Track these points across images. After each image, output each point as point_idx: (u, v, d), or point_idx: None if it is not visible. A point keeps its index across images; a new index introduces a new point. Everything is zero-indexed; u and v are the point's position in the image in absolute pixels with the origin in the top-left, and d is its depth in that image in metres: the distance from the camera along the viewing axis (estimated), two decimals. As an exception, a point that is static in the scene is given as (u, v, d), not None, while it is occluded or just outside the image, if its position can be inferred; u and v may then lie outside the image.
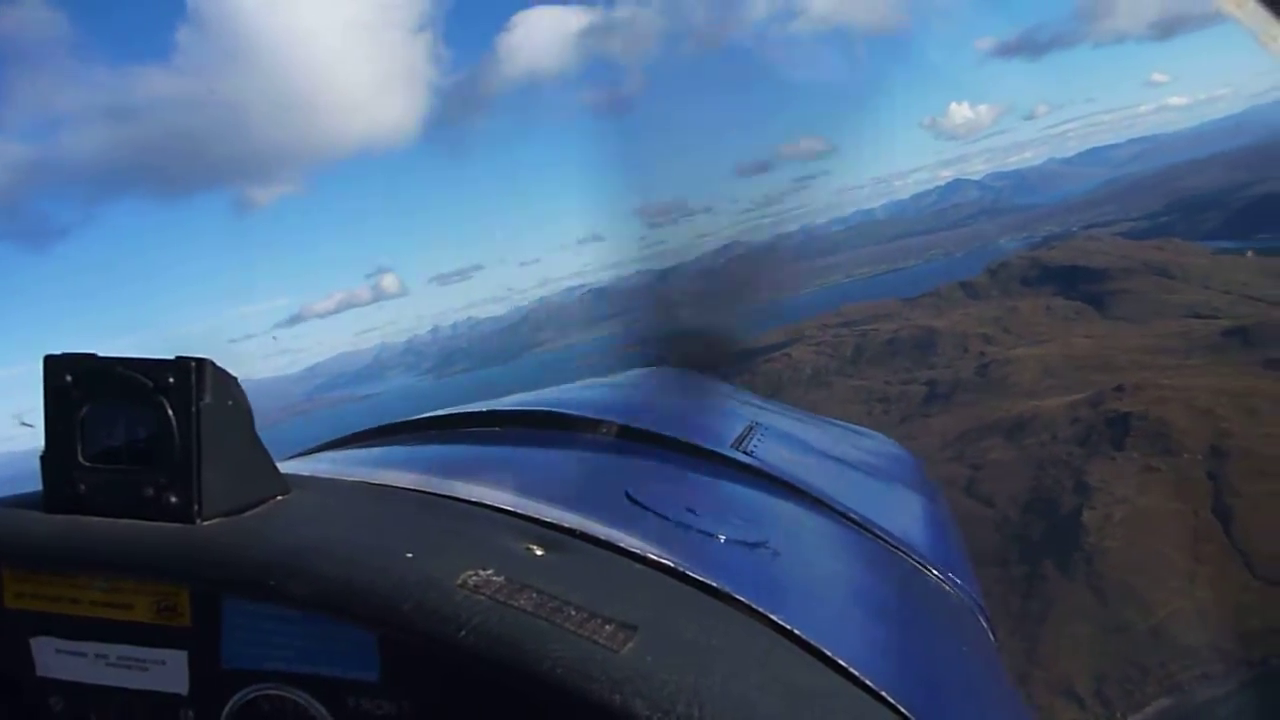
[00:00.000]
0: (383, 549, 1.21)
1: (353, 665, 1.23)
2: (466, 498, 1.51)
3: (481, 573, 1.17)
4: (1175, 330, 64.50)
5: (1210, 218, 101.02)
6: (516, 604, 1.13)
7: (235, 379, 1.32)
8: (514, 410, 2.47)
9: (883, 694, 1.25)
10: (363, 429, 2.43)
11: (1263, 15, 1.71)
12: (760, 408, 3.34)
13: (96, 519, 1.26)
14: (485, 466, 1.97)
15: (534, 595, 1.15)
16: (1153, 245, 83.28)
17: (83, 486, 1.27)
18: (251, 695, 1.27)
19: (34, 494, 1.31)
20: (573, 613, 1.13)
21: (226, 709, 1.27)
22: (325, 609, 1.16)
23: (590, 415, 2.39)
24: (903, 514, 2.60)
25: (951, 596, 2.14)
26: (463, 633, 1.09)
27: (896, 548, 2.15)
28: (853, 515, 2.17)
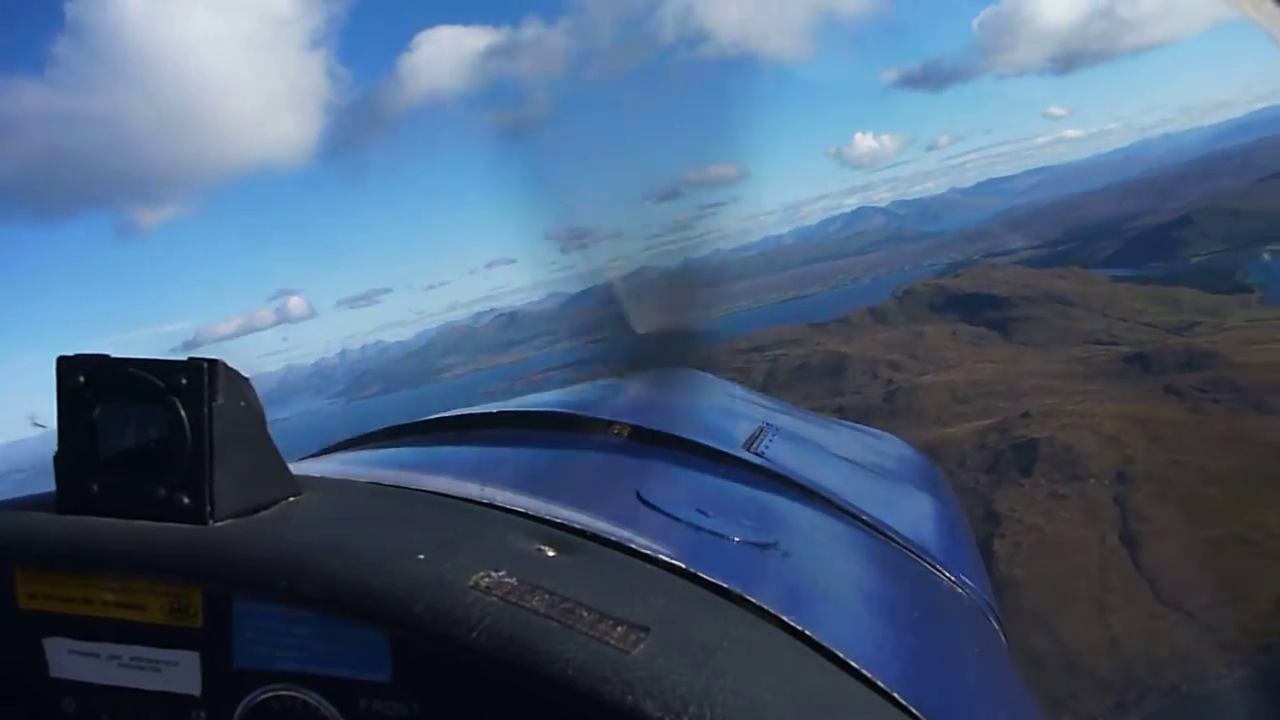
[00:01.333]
0: (394, 550, 1.22)
1: (364, 666, 1.23)
2: (478, 499, 1.51)
3: (493, 574, 1.18)
4: (1078, 357, 65.72)
5: (1105, 247, 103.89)
6: (528, 605, 1.13)
7: (247, 380, 1.33)
8: (525, 411, 2.51)
9: (895, 696, 1.26)
10: (374, 430, 2.44)
11: (1276, 13, 1.70)
12: (771, 409, 3.34)
13: (109, 520, 1.27)
14: (496, 467, 2.04)
15: (545, 596, 1.16)
16: (1053, 273, 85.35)
17: (95, 487, 1.29)
18: (263, 696, 1.26)
19: (47, 494, 1.33)
20: (584, 614, 1.13)
21: (238, 710, 1.27)
22: (337, 610, 1.17)
23: (601, 416, 2.39)
24: (914, 516, 2.59)
25: (964, 599, 2.13)
26: (474, 634, 1.09)
27: (908, 549, 2.14)
28: (864, 517, 2.17)
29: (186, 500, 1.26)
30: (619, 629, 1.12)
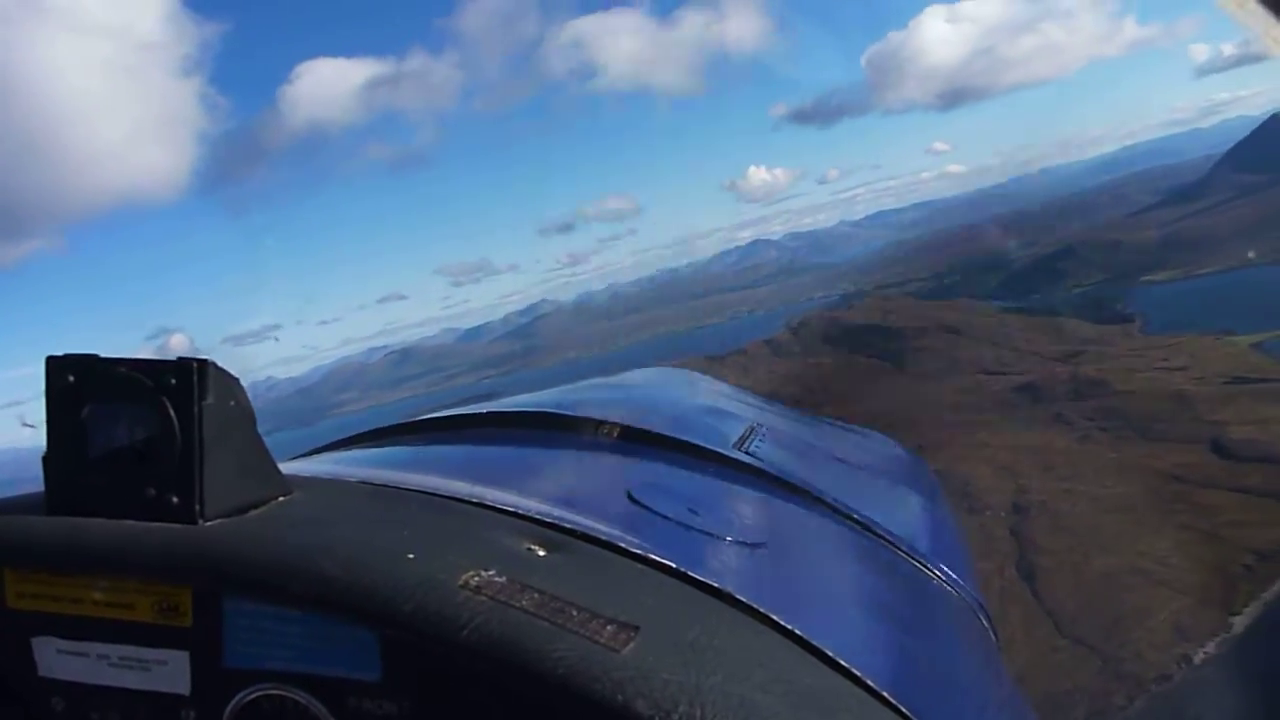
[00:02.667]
0: (384, 549, 1.23)
1: (354, 665, 1.23)
2: (468, 498, 1.52)
3: (483, 573, 1.19)
4: (970, 387, 66.46)
5: (991, 278, 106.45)
6: (518, 604, 1.14)
7: (237, 380, 1.33)
8: (515, 411, 2.51)
9: (885, 694, 1.27)
10: (364, 430, 2.44)
11: (1264, 16, 1.73)
12: (762, 408, 3.35)
13: (98, 519, 1.27)
14: (487, 467, 2.05)
15: (535, 595, 1.16)
16: (943, 304, 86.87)
17: (85, 487, 1.29)
18: (253, 695, 1.26)
19: (36, 494, 1.32)
20: (574, 613, 1.14)
21: (228, 709, 1.27)
22: (327, 609, 1.18)
23: (592, 416, 2.38)
24: (904, 514, 2.60)
25: (953, 596, 2.14)
26: (464, 633, 1.10)
27: (898, 548, 2.16)
28: (854, 515, 2.18)
29: (176, 500, 1.26)
30: (609, 628, 1.12)
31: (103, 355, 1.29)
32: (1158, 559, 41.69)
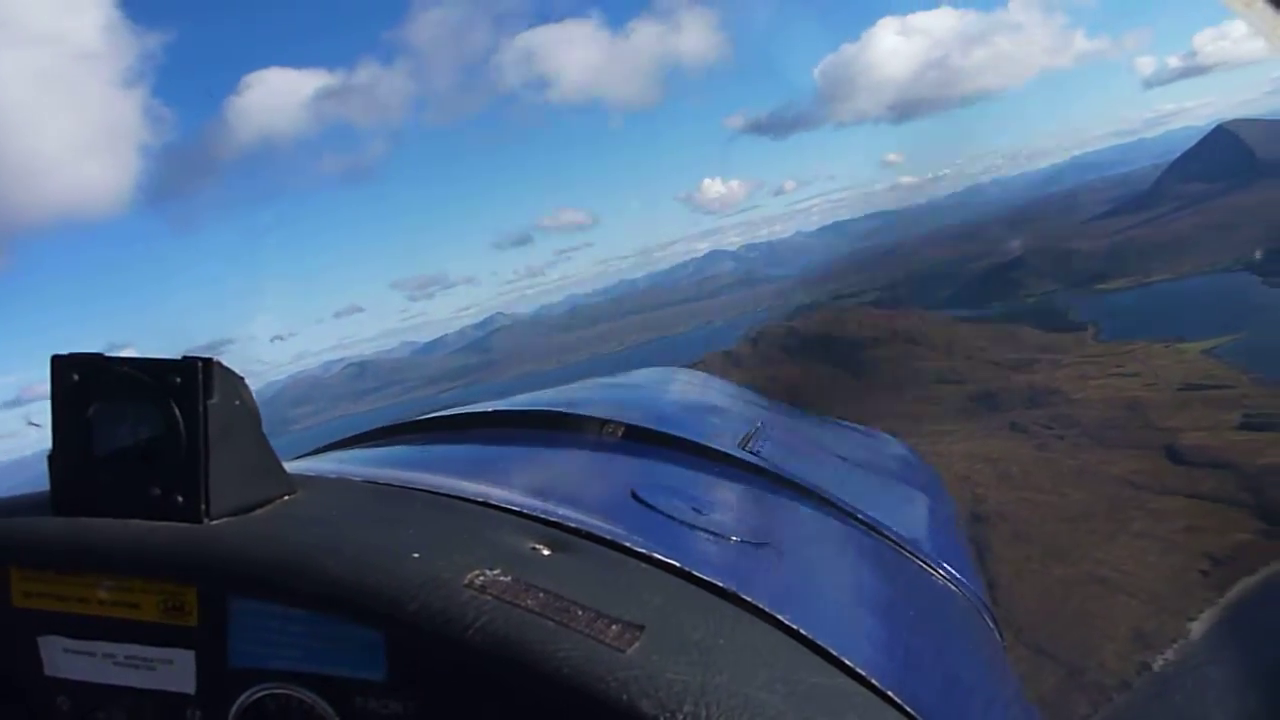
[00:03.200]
0: (389, 549, 1.23)
1: (360, 665, 1.21)
2: (473, 497, 1.52)
3: (488, 572, 1.19)
4: (927, 396, 66.68)
5: (945, 288, 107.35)
6: (523, 604, 1.14)
7: (242, 379, 1.33)
8: (520, 410, 2.49)
9: (890, 694, 1.27)
10: (368, 429, 2.43)
11: (1270, 14, 1.73)
12: (767, 408, 3.35)
13: (104, 518, 1.27)
14: (492, 466, 2.01)
15: (540, 595, 1.17)
16: (899, 314, 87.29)
17: (90, 486, 1.29)
18: (258, 694, 1.26)
19: (41, 493, 1.33)
20: (579, 612, 1.15)
21: (234, 708, 1.26)
22: (332, 608, 1.18)
23: (597, 415, 2.37)
24: (909, 514, 2.59)
25: (958, 596, 2.14)
26: (469, 632, 1.10)
27: (902, 547, 2.15)
28: (859, 515, 2.17)
29: (181, 499, 1.26)
30: (614, 627, 1.13)
31: (108, 354, 1.29)
32: (1116, 566, 41.88)
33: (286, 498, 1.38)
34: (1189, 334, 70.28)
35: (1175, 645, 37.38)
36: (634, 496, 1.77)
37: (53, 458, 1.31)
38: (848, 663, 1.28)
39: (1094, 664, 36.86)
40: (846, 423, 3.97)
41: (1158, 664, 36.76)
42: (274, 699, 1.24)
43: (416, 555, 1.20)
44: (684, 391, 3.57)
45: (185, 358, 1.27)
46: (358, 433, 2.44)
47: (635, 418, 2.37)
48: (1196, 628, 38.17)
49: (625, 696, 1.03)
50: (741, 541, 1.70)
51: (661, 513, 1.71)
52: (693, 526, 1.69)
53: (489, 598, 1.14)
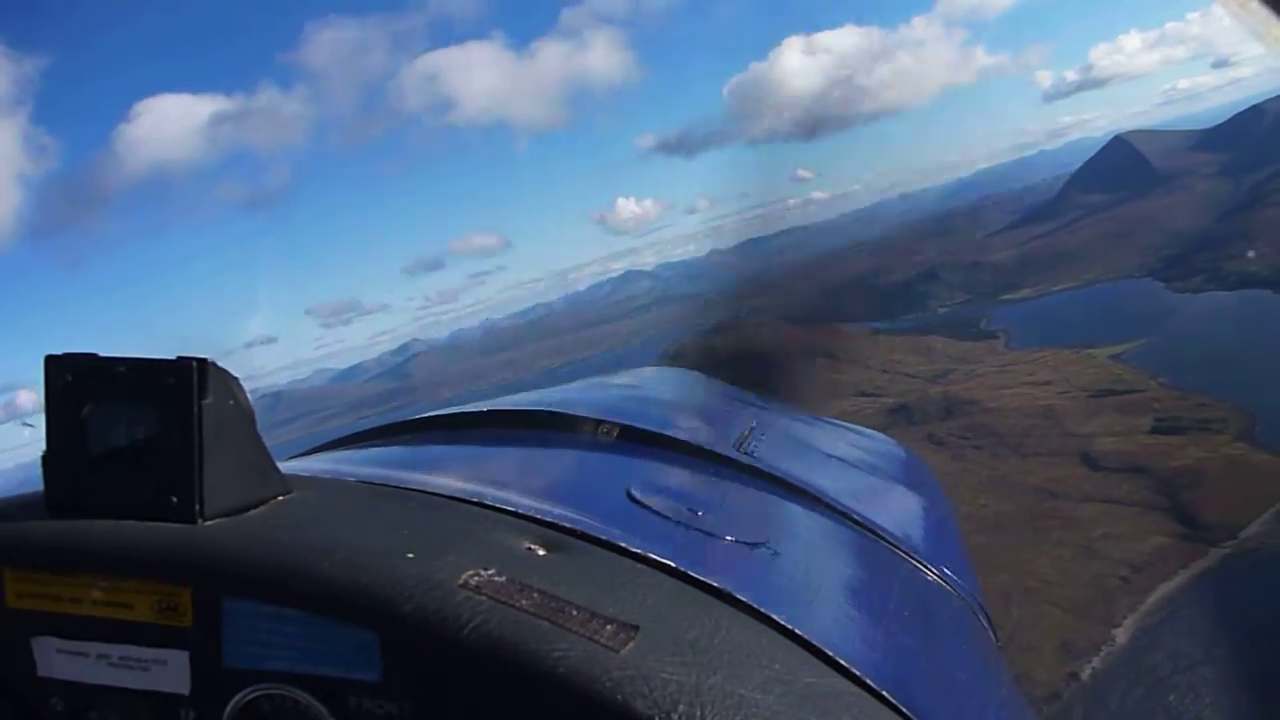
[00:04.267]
0: (384, 549, 1.24)
1: (354, 665, 1.22)
2: (468, 498, 1.52)
3: (483, 573, 1.20)
4: (848, 410, 66.51)
5: (859, 301, 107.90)
6: (518, 604, 1.15)
7: (237, 379, 1.33)
8: (516, 410, 2.50)
9: (884, 694, 1.27)
10: (363, 429, 2.43)
11: (1264, 14, 1.75)
12: (761, 408, 3.33)
13: (98, 519, 1.28)
14: (487, 466, 2.05)
15: (535, 595, 1.17)
16: (816, 329, 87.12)
17: (84, 486, 1.30)
18: (253, 695, 1.25)
19: (35, 494, 1.33)
20: (574, 613, 1.15)
21: (228, 709, 1.26)
22: (327, 609, 1.19)
23: (592, 415, 2.36)
24: (903, 514, 2.60)
25: (952, 596, 2.14)
26: (464, 632, 1.11)
27: (897, 547, 2.15)
28: (854, 515, 2.18)
29: (176, 499, 1.26)
30: (609, 627, 1.13)
31: (102, 354, 1.30)
32: (1038, 576, 41.81)
33: (281, 498, 1.38)
34: (1096, 340, 71.57)
35: (1101, 653, 37.33)
36: (629, 497, 1.76)
37: (47, 458, 1.30)
38: (842, 663, 1.28)
39: (1022, 675, 36.51)
40: (841, 423, 3.85)
41: (1085, 673, 36.65)
42: (268, 699, 1.23)
43: (411, 555, 1.21)
44: (678, 392, 3.52)
45: (180, 358, 1.26)
46: (352, 433, 2.42)
47: (630, 418, 2.35)
48: (1121, 635, 38.23)
49: (620, 696, 1.03)
50: (736, 542, 1.69)
51: (656, 513, 1.71)
52: (687, 527, 1.68)
53: (484, 598, 1.14)
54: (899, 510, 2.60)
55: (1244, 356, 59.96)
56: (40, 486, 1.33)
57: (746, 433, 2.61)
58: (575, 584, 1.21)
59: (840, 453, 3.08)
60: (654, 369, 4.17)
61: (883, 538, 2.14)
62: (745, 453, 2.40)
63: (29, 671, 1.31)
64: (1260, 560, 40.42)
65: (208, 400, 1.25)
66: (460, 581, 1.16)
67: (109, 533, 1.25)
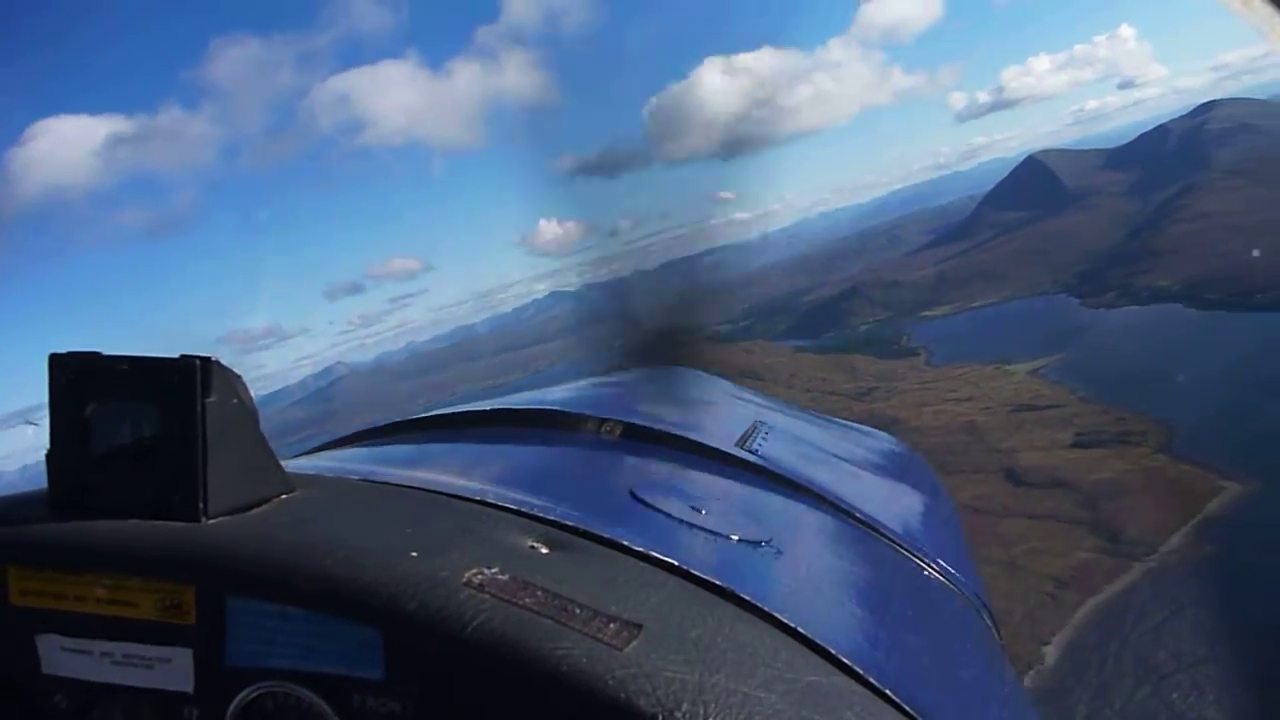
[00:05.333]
0: (387, 547, 1.24)
1: (358, 663, 1.22)
2: (471, 496, 1.52)
3: (486, 571, 1.20)
4: (772, 430, 66.20)
5: (782, 320, 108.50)
6: (521, 602, 1.15)
7: (240, 377, 1.34)
8: (519, 409, 2.50)
9: (887, 692, 1.28)
10: (366, 428, 2.44)
11: (1268, 12, 1.76)
12: (765, 406, 3.37)
13: (102, 517, 1.29)
14: (490, 464, 2.04)
15: (538, 593, 1.18)
16: (740, 347, 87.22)
17: (88, 484, 1.30)
18: (256, 693, 1.25)
19: (39, 491, 1.34)
20: (577, 611, 1.16)
21: (231, 707, 1.26)
22: (330, 607, 1.19)
23: (595, 414, 2.37)
24: (907, 512, 2.61)
25: (956, 595, 2.14)
26: (467, 631, 1.11)
27: (900, 546, 2.15)
28: (857, 514, 2.18)
29: (179, 497, 1.27)
30: (612, 626, 1.14)
31: (106, 353, 1.30)
32: (968, 596, 41.41)
33: (284, 497, 1.38)
34: (1015, 356, 72.43)
35: (1031, 672, 36.94)
36: (632, 495, 1.76)
37: (50, 456, 1.31)
38: (845, 661, 1.28)
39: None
40: (843, 421, 3.85)
41: (1015, 693, 36.23)
42: (272, 697, 1.24)
43: (414, 554, 1.21)
44: (682, 390, 3.36)
45: (183, 356, 1.26)
46: (355, 431, 2.40)
47: (632, 416, 2.35)
48: (1050, 652, 37.97)
49: (623, 695, 1.04)
50: (739, 540, 1.69)
51: (659, 511, 1.70)
52: (691, 525, 1.68)
53: (487, 596, 1.14)
54: (901, 508, 2.57)
55: (1158, 369, 61.09)
56: (43, 485, 1.33)
57: (749, 431, 2.58)
58: (578, 582, 1.21)
59: (842, 451, 3.03)
60: (656, 368, 3.86)
61: (885, 536, 2.13)
62: (748, 451, 2.37)
63: (33, 669, 1.31)
64: (1184, 574, 40.65)
65: (211, 398, 1.26)
66: (463, 580, 1.16)
67: (112, 531, 1.25)
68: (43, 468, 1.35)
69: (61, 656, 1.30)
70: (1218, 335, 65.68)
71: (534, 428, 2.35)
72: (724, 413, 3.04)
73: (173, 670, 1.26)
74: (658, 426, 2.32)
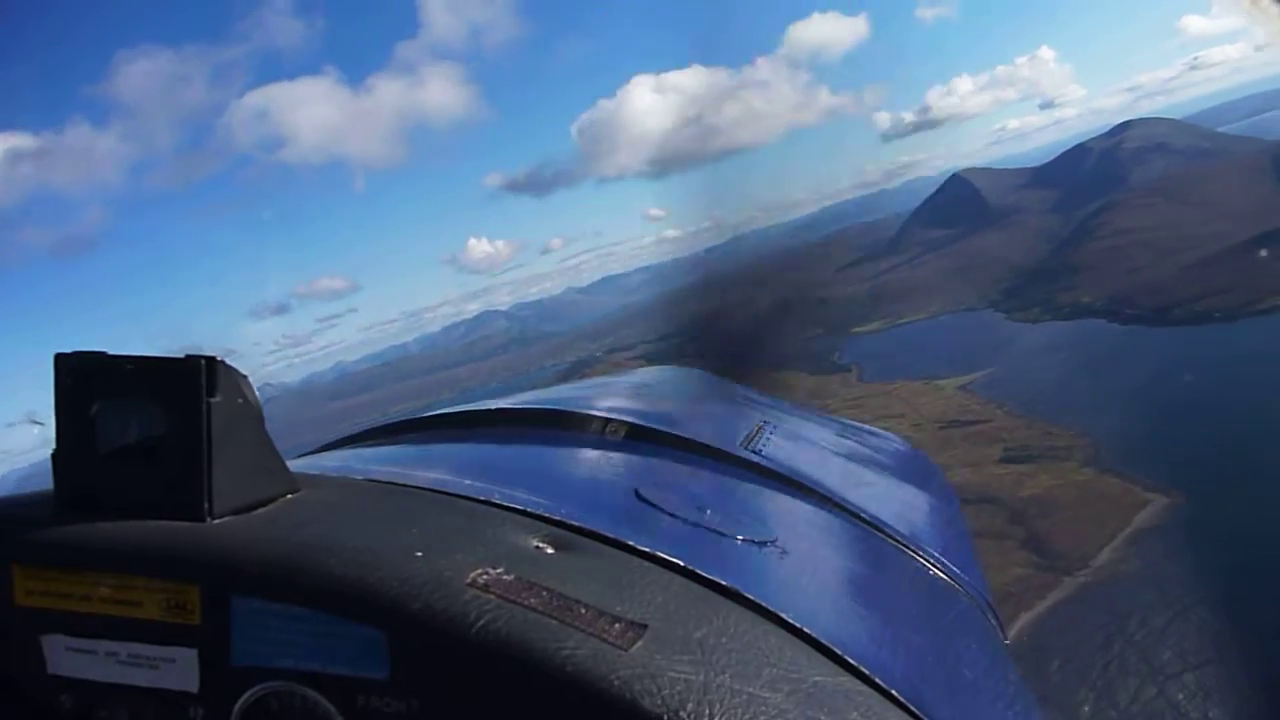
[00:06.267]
0: (392, 547, 1.24)
1: (362, 663, 1.21)
2: (476, 496, 1.53)
3: (491, 571, 1.20)
4: (705, 449, 65.72)
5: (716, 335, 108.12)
6: (526, 602, 1.15)
7: (245, 377, 1.34)
8: (524, 408, 2.51)
9: (892, 692, 1.28)
10: (370, 427, 2.44)
11: (1275, 12, 1.77)
12: (769, 406, 3.33)
13: (107, 516, 1.29)
14: (495, 464, 2.06)
15: (543, 594, 1.18)
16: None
17: (93, 484, 1.30)
18: (261, 693, 1.25)
19: (44, 491, 1.34)
20: (582, 611, 1.16)
21: (236, 707, 1.26)
22: (335, 607, 1.19)
23: (600, 414, 2.37)
24: (912, 512, 2.60)
25: (961, 595, 2.14)
26: (472, 631, 1.11)
27: (906, 546, 2.16)
28: (862, 514, 2.19)
29: (184, 497, 1.27)
30: (617, 626, 1.14)
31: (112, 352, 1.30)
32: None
33: (289, 496, 1.38)
34: (944, 371, 73.17)
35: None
36: (637, 495, 1.76)
37: (56, 455, 1.31)
38: (851, 661, 1.28)
39: None
40: (849, 421, 3.81)
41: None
42: (277, 697, 1.24)
43: (419, 554, 1.21)
44: (686, 390, 3.51)
45: (188, 355, 1.27)
46: (360, 430, 2.40)
47: (637, 416, 2.35)
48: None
49: (628, 695, 1.04)
50: (744, 540, 1.69)
51: (664, 511, 1.70)
52: (695, 525, 1.68)
53: (492, 596, 1.14)
54: (907, 508, 2.57)
55: (1082, 383, 62.07)
56: (49, 484, 1.33)
57: (754, 431, 2.58)
58: (583, 582, 1.21)
59: (848, 451, 3.04)
60: (661, 368, 4.05)
61: (891, 536, 2.13)
62: (753, 451, 2.38)
63: (38, 669, 1.31)
64: (1115, 587, 40.99)
65: (216, 398, 1.26)
66: (468, 580, 1.16)
67: (118, 530, 1.25)
68: (48, 466, 1.33)
69: (66, 656, 1.29)
70: (1138, 349, 67.10)
71: (538, 427, 2.34)
72: (729, 413, 3.02)
73: (178, 670, 1.26)
74: (662, 427, 2.31)
